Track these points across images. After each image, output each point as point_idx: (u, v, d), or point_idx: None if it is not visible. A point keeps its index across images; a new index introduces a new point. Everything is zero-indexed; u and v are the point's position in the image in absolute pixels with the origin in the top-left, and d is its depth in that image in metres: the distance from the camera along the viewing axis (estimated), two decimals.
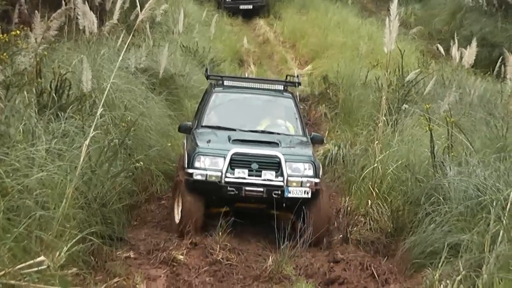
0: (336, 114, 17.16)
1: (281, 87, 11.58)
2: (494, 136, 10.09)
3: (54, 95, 9.28)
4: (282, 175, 9.61)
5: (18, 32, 9.98)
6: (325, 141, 12.81)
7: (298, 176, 9.67)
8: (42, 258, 6.21)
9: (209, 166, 9.61)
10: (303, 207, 9.61)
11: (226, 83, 11.54)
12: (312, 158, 10.01)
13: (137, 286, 7.72)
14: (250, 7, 32.41)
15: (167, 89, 14.08)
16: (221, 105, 11.22)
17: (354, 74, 18.04)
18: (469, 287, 6.93)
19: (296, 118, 11.16)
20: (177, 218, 9.81)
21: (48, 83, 9.44)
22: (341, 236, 9.88)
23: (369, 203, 9.99)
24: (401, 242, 8.92)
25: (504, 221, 7.16)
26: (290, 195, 9.59)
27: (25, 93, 8.94)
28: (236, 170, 9.61)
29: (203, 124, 10.79)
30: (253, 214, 10.14)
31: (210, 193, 9.68)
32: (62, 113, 8.86)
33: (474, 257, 7.22)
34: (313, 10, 31.13)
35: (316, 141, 10.98)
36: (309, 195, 9.65)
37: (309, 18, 29.94)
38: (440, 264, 7.39)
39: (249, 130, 10.65)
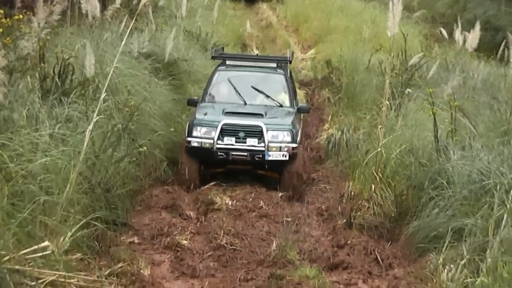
0: (340, 99, 17.15)
1: (274, 65, 13.29)
2: (498, 120, 10.06)
3: (57, 80, 9.28)
4: (263, 141, 11.29)
5: (21, 16, 9.99)
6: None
7: (277, 142, 11.32)
8: (46, 243, 6.22)
9: (204, 135, 11.36)
10: (282, 167, 11.38)
11: (228, 62, 13.30)
12: (291, 127, 11.58)
13: (141, 271, 7.72)
14: None
15: (170, 74, 14.06)
16: (222, 81, 12.92)
17: (357, 58, 18.02)
18: (473, 271, 6.93)
19: (286, 92, 12.79)
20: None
21: (51, 68, 9.44)
22: (344, 220, 9.87)
23: (373, 188, 9.97)
24: (405, 227, 8.92)
25: (508, 205, 7.15)
26: (270, 158, 11.28)
27: (29, 78, 8.96)
28: (226, 138, 11.35)
29: (206, 99, 12.58)
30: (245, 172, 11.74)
31: (205, 157, 11.43)
32: (66, 98, 8.86)
33: (478, 241, 7.22)
34: None
35: (302, 111, 12.75)
36: (287, 158, 11.30)
37: (312, 2, 29.92)
38: (444, 249, 7.39)
39: (244, 103, 12.35)
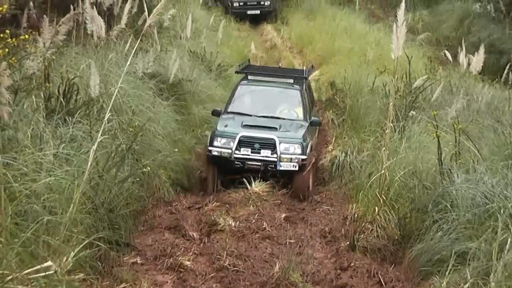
0: (343, 120, 17.11)
1: (291, 81, 14.43)
2: (502, 143, 10.06)
3: (62, 99, 9.31)
4: (276, 153, 12.41)
5: (26, 36, 10.03)
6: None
7: (288, 154, 12.45)
8: (49, 263, 6.20)
9: (223, 145, 12.51)
10: (293, 175, 12.49)
11: (249, 77, 14.50)
12: (301, 140, 12.71)
13: None
14: (258, 12, 32.46)
15: (174, 94, 14.08)
16: (243, 95, 14.20)
17: (362, 80, 18.00)
18: None
19: (300, 106, 13.87)
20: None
21: (56, 87, 9.47)
22: (348, 243, 9.85)
23: (376, 210, 9.94)
24: (408, 250, 8.89)
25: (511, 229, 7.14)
26: (281, 168, 12.43)
27: (33, 97, 8.98)
28: (242, 149, 12.48)
29: (228, 110, 13.73)
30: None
31: (223, 165, 12.51)
32: (70, 118, 8.87)
33: (481, 265, 7.19)
34: (320, 15, 31.16)
35: (314, 124, 13.86)
36: (297, 168, 12.41)
37: (317, 23, 29.96)
38: (447, 272, 7.36)
39: (261, 115, 13.48)
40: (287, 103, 14.02)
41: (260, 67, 17.80)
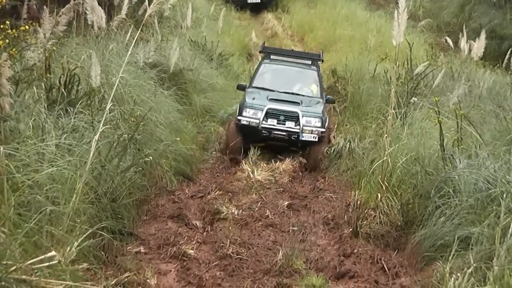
0: (345, 108, 17.17)
1: (309, 62, 16.17)
2: (504, 129, 10.06)
3: (63, 90, 9.28)
4: (299, 125, 13.81)
5: (27, 27, 9.99)
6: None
7: (310, 126, 13.82)
8: (53, 253, 6.21)
9: (252, 115, 13.91)
10: (310, 145, 13.82)
11: (272, 57, 16.27)
12: (321, 115, 14.10)
13: (147, 280, 7.72)
14: (258, 1, 32.49)
15: (175, 84, 14.09)
16: (266, 72, 15.83)
17: (363, 67, 18.03)
18: (480, 279, 6.90)
19: (317, 85, 15.54)
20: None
21: (57, 78, 9.44)
22: (351, 229, 9.86)
23: (379, 197, 9.95)
24: (411, 236, 8.89)
25: None
26: (303, 139, 13.79)
27: (35, 88, 8.96)
28: (269, 120, 13.90)
29: (253, 85, 15.31)
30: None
31: (251, 133, 13.84)
32: (72, 108, 8.86)
33: (484, 250, 7.19)
34: (321, 3, 31.17)
35: (329, 102, 15.55)
36: (316, 139, 13.79)
37: (317, 11, 29.97)
38: (450, 257, 7.35)
39: (283, 91, 14.92)
40: (305, 82, 15.58)
41: (277, 48, 19.08)
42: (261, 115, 13.86)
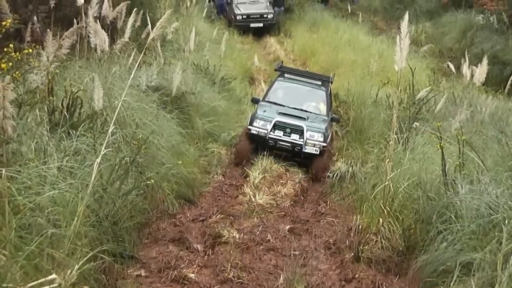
0: (347, 132, 17.20)
1: (319, 83, 17.41)
2: (506, 154, 10.04)
3: (65, 113, 9.28)
4: (303, 138, 15.08)
5: (30, 50, 10.03)
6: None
7: (312, 140, 15.07)
8: (53, 276, 6.18)
9: (261, 126, 15.34)
10: (313, 158, 14.99)
11: (286, 75, 17.68)
12: (324, 131, 15.27)
13: None
14: (261, 25, 32.56)
15: (178, 107, 14.09)
16: (279, 89, 17.25)
17: (365, 92, 18.06)
18: None
19: (325, 104, 16.82)
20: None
21: (59, 101, 9.45)
22: (352, 254, 9.84)
23: (381, 221, 9.93)
24: (413, 261, 8.88)
25: None
26: (306, 151, 15.06)
27: (37, 111, 8.96)
28: (276, 131, 15.29)
29: (266, 100, 16.78)
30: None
31: (259, 142, 15.27)
32: (74, 131, 8.85)
33: (486, 276, 7.17)
34: (323, 28, 31.24)
35: (334, 120, 16.64)
36: (318, 152, 15.00)
37: (320, 36, 30.02)
38: (452, 283, 7.34)
39: (293, 107, 16.26)
40: (314, 100, 16.87)
41: (292, 68, 20.24)
42: (269, 126, 15.25)
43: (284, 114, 15.71)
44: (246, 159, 14.95)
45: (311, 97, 16.98)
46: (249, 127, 15.46)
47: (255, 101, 17.04)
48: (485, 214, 8.10)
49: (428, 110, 14.36)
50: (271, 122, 15.33)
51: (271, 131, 15.26)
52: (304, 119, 15.68)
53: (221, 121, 16.54)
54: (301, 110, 16.31)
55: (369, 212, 10.68)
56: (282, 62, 19.67)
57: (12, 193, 6.63)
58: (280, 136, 15.28)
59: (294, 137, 15.22)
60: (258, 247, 10.18)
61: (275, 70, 18.56)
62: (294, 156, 15.27)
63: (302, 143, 15.10)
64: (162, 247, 9.65)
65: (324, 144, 15.08)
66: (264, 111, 15.85)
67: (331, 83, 17.86)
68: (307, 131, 15.18)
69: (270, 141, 15.25)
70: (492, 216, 7.98)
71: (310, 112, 16.31)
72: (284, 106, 16.35)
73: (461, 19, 32.35)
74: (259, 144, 15.30)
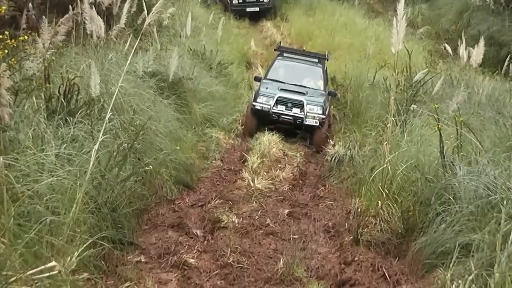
0: (345, 115, 17.24)
1: (316, 60, 18.79)
2: (504, 135, 10.05)
3: (62, 100, 9.27)
4: (303, 111, 16.51)
5: (26, 37, 10.00)
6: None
7: (312, 113, 16.48)
8: (53, 263, 6.19)
9: (264, 102, 16.73)
10: (313, 130, 16.33)
11: (285, 54, 19.11)
12: (322, 104, 16.64)
13: None
14: (257, 9, 32.49)
15: (175, 93, 14.07)
16: (279, 67, 18.59)
17: (362, 75, 18.12)
18: (481, 286, 6.89)
19: (322, 80, 18.08)
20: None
21: (56, 88, 9.44)
22: (351, 237, 9.85)
23: (379, 204, 9.92)
24: (412, 243, 8.87)
25: None
26: (306, 123, 16.49)
27: (34, 98, 8.95)
28: (279, 106, 16.73)
29: (267, 77, 18.11)
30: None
31: (263, 116, 16.66)
32: (71, 118, 8.84)
33: (485, 257, 7.17)
34: (320, 11, 31.21)
35: (331, 94, 17.77)
36: (318, 124, 16.30)
37: (316, 19, 30.00)
38: (451, 264, 7.34)
39: (292, 83, 17.58)
40: (312, 77, 18.16)
41: (290, 48, 22.15)
42: (272, 102, 16.64)
43: (285, 90, 17.07)
44: (254, 132, 16.45)
45: (309, 74, 18.25)
46: (253, 103, 16.83)
47: (257, 79, 18.23)
48: (484, 195, 8.09)
49: (425, 92, 14.36)
50: (273, 97, 16.72)
51: (274, 106, 16.65)
52: (304, 94, 17.03)
53: (218, 106, 16.54)
54: (301, 86, 17.60)
55: (368, 195, 10.67)
56: (280, 43, 21.40)
57: (10, 181, 6.62)
58: (282, 111, 16.66)
59: (295, 110, 16.59)
60: (258, 231, 10.18)
61: (275, 50, 19.90)
62: (296, 128, 16.71)
63: (303, 116, 16.49)
64: (161, 233, 9.64)
65: (323, 116, 16.43)
66: (267, 88, 17.21)
67: (327, 60, 19.06)
68: (307, 105, 16.54)
69: (273, 115, 16.64)
70: (490, 197, 7.98)
71: (309, 88, 17.64)
72: (284, 83, 17.65)
73: (457, 0, 32.30)
74: (263, 118, 16.67)
